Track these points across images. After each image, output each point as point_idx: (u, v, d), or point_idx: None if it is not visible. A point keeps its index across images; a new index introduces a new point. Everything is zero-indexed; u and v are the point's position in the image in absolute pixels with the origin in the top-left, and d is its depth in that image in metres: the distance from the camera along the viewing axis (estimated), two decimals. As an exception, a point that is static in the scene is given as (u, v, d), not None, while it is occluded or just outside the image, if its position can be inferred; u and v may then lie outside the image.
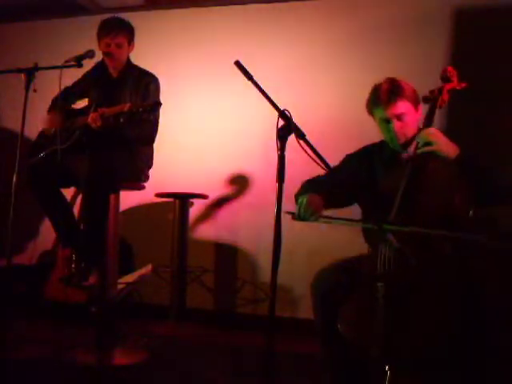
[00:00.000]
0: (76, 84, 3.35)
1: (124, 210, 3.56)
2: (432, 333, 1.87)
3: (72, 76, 3.27)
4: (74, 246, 3.08)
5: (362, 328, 2.00)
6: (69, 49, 3.03)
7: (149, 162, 3.26)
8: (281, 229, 1.76)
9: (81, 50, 2.86)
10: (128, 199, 3.76)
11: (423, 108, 2.31)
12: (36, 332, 3.37)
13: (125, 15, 3.29)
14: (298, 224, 3.54)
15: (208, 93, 4.06)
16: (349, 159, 2.45)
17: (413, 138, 2.22)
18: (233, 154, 4.01)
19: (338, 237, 3.36)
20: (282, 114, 1.81)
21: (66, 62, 2.79)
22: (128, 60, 3.25)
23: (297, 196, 2.34)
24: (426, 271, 1.97)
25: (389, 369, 1.92)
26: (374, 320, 1.92)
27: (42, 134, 3.30)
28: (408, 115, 2.21)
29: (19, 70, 2.66)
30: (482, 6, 3.56)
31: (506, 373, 1.94)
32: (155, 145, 3.29)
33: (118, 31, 3.13)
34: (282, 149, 1.80)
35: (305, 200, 2.12)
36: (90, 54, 2.88)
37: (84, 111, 3.20)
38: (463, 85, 2.34)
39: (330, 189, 2.21)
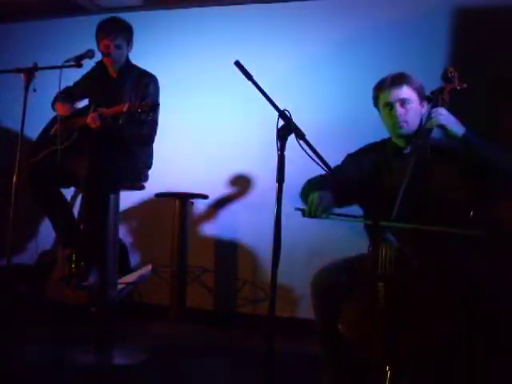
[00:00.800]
0: (76, 84, 3.35)
1: (124, 210, 3.56)
2: (432, 333, 1.87)
3: (72, 76, 3.27)
4: (73, 246, 3.08)
5: (363, 328, 2.00)
6: (69, 49, 3.02)
7: (148, 163, 3.26)
8: (281, 229, 1.76)
9: (81, 50, 2.86)
10: (128, 199, 3.77)
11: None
12: (36, 332, 3.37)
13: (124, 15, 3.29)
14: (298, 224, 3.57)
15: (208, 93, 4.06)
16: (350, 158, 2.45)
17: (414, 135, 2.23)
18: (233, 153, 4.01)
19: (338, 237, 3.37)
20: (282, 114, 1.81)
21: (66, 62, 2.79)
22: (127, 60, 3.25)
23: (302, 194, 2.34)
24: (426, 271, 1.97)
25: (389, 369, 1.91)
26: (375, 320, 1.92)
27: (42, 135, 3.31)
28: (411, 103, 2.24)
29: (19, 70, 2.66)
30: (482, 6, 3.55)
31: (506, 373, 1.94)
32: (155, 145, 3.29)
33: (117, 32, 3.12)
34: (281, 149, 1.80)
35: (315, 197, 2.12)
36: (89, 54, 2.88)
37: (84, 111, 3.20)
38: (464, 85, 2.34)
39: (335, 187, 2.21)
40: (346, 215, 2.15)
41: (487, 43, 3.50)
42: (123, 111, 2.84)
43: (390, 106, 2.25)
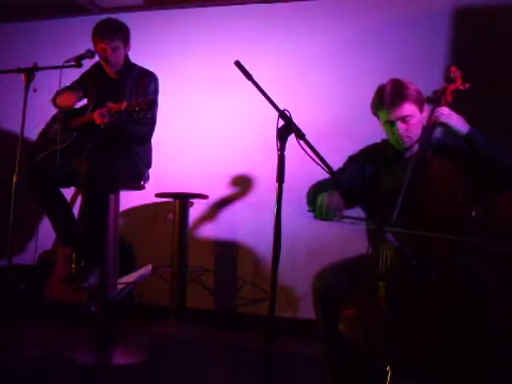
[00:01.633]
0: (75, 84, 3.35)
1: (124, 210, 3.56)
2: (432, 333, 1.87)
3: (72, 76, 3.28)
4: (73, 246, 3.08)
5: (363, 328, 2.00)
6: (69, 49, 3.02)
7: (148, 162, 3.26)
8: (281, 229, 1.76)
9: (81, 50, 2.87)
10: (128, 199, 3.76)
11: (426, 108, 2.31)
12: (36, 332, 3.37)
13: (125, 15, 3.30)
14: (298, 224, 3.58)
15: (208, 93, 4.06)
16: (352, 161, 2.45)
17: (417, 140, 2.22)
18: (233, 154, 4.00)
19: (338, 237, 3.37)
20: (282, 114, 1.81)
21: (66, 62, 2.79)
22: (127, 59, 3.24)
23: (310, 198, 2.33)
24: (426, 271, 1.96)
25: (389, 369, 1.91)
26: (375, 320, 1.92)
27: (42, 135, 3.30)
28: (413, 117, 2.21)
29: (19, 70, 2.66)
30: (482, 6, 3.55)
31: (506, 373, 1.94)
32: (155, 145, 3.29)
33: (113, 36, 3.10)
34: (281, 149, 1.80)
35: (325, 199, 2.10)
36: (89, 54, 2.88)
37: (83, 111, 3.20)
38: (467, 85, 2.33)
39: (341, 188, 2.19)
40: (355, 218, 2.13)
41: (487, 43, 3.50)
42: (121, 109, 2.84)
43: (390, 123, 2.23)
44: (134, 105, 2.83)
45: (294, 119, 1.80)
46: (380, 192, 2.23)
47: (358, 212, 2.31)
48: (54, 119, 3.27)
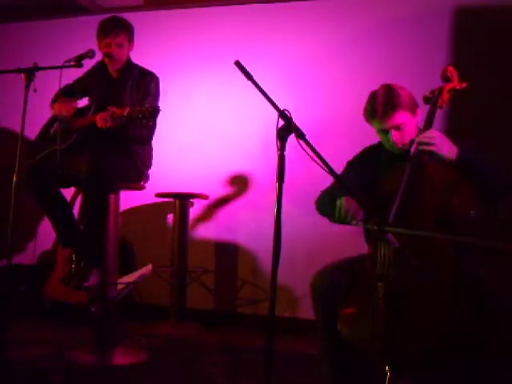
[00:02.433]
0: (77, 82, 3.35)
1: (124, 210, 3.56)
2: (432, 333, 1.87)
3: (72, 76, 3.28)
4: (73, 246, 3.08)
5: (362, 328, 2.00)
6: (69, 49, 3.02)
7: (148, 163, 3.26)
8: (281, 229, 1.76)
9: (81, 50, 2.86)
10: (128, 199, 3.76)
11: (424, 108, 2.31)
12: (36, 332, 3.37)
13: (125, 15, 3.29)
14: (298, 224, 3.58)
15: (208, 93, 4.06)
16: (349, 166, 2.45)
17: (413, 140, 2.22)
18: (233, 153, 4.01)
19: (338, 237, 3.37)
20: (282, 114, 1.80)
21: (66, 62, 2.78)
22: (128, 59, 3.24)
23: (320, 205, 2.34)
24: (425, 271, 1.96)
25: (389, 369, 1.91)
26: (374, 320, 1.92)
27: (41, 135, 3.30)
28: (406, 124, 2.21)
29: (19, 70, 2.66)
30: (482, 6, 3.55)
31: (506, 373, 1.94)
32: (155, 145, 3.29)
33: (119, 31, 3.13)
34: (281, 149, 1.80)
35: (344, 203, 2.10)
36: (89, 54, 2.88)
37: (83, 111, 3.20)
38: (464, 85, 2.33)
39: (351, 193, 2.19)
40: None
41: (487, 43, 3.50)
42: (123, 115, 2.84)
43: (385, 131, 2.23)
44: (136, 111, 2.82)
45: (294, 119, 1.80)
46: (378, 193, 2.23)
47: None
48: (53, 119, 3.26)
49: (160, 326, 3.67)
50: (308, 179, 3.50)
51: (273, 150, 1.83)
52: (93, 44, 3.10)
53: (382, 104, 2.19)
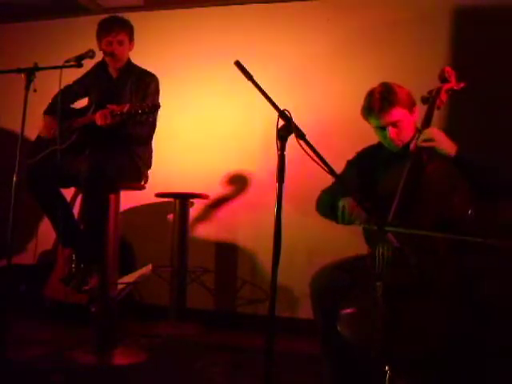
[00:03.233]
0: (76, 83, 3.35)
1: (124, 210, 3.56)
2: (432, 332, 1.87)
3: (72, 76, 3.28)
4: (73, 246, 3.08)
5: (362, 328, 2.00)
6: (69, 49, 3.02)
7: (148, 163, 3.26)
8: (281, 229, 1.76)
9: (81, 50, 2.86)
10: (128, 199, 3.76)
11: (422, 108, 2.31)
12: (36, 332, 3.37)
13: (125, 15, 3.29)
14: (298, 224, 3.58)
15: (208, 93, 4.06)
16: (349, 166, 2.45)
17: (411, 139, 2.22)
18: (233, 153, 4.01)
19: (338, 237, 3.37)
20: (282, 114, 1.80)
21: (66, 62, 2.78)
22: (128, 60, 3.25)
23: (321, 206, 2.33)
24: (424, 270, 1.97)
25: (389, 369, 1.91)
26: (374, 319, 1.92)
27: (40, 134, 3.30)
28: (403, 121, 2.21)
29: (19, 70, 2.66)
30: (482, 6, 3.55)
31: (506, 373, 1.94)
32: (155, 145, 3.29)
33: (119, 29, 3.14)
34: (281, 149, 1.80)
35: (348, 204, 2.10)
36: (90, 54, 2.88)
37: (83, 111, 3.20)
38: (461, 85, 2.34)
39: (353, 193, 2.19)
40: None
41: (487, 43, 3.50)
42: (123, 112, 2.84)
43: (382, 128, 2.24)
44: (136, 108, 2.82)
45: (294, 119, 1.80)
46: (378, 192, 2.23)
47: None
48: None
49: (160, 326, 3.67)
50: (308, 179, 3.50)
51: (273, 150, 1.83)
52: (93, 44, 3.10)
53: (378, 100, 2.19)
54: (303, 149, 1.77)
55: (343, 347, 2.12)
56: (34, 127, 3.22)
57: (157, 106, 2.88)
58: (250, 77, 1.82)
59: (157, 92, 3.18)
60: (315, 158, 1.78)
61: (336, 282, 2.16)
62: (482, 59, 3.45)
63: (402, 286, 1.94)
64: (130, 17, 3.30)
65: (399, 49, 3.67)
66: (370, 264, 2.07)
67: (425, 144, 2.06)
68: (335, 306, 2.09)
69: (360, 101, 2.32)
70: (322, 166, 1.78)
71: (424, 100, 2.33)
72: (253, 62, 1.98)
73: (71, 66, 2.77)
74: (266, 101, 1.82)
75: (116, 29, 3.13)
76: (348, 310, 2.06)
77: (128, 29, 3.19)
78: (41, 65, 2.68)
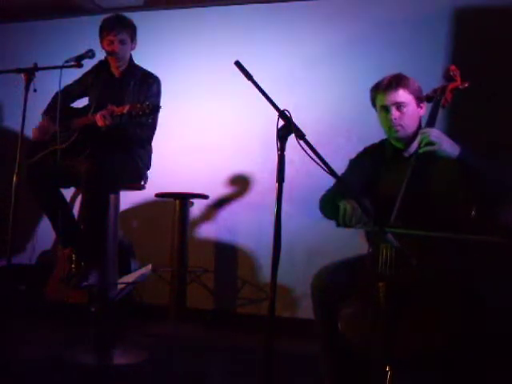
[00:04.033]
0: (77, 82, 3.35)
1: (124, 210, 3.56)
2: (432, 332, 1.87)
3: (72, 76, 3.27)
4: (73, 246, 3.08)
5: (363, 328, 2.00)
6: (69, 49, 3.02)
7: (148, 163, 3.26)
8: (281, 229, 1.76)
9: (81, 50, 2.86)
10: (128, 199, 3.77)
11: (426, 107, 2.31)
12: (36, 332, 3.37)
13: (125, 15, 3.29)
14: (298, 224, 3.58)
15: (208, 93, 4.06)
16: (352, 164, 2.45)
17: (413, 136, 2.22)
18: (233, 154, 4.01)
19: (338, 237, 3.36)
20: (282, 114, 1.80)
21: (66, 62, 2.78)
22: (131, 60, 3.24)
23: (324, 207, 2.33)
24: (426, 271, 1.97)
25: (389, 369, 1.91)
26: (375, 319, 1.92)
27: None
28: (408, 106, 2.21)
29: (19, 70, 2.66)
30: (482, 6, 3.55)
31: (506, 373, 1.94)
32: (155, 145, 3.29)
33: (121, 28, 3.13)
34: (281, 149, 1.80)
35: (348, 207, 2.08)
36: (90, 54, 2.88)
37: (83, 111, 3.20)
38: (466, 84, 2.33)
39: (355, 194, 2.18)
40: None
41: (487, 43, 3.50)
42: (124, 112, 2.84)
43: (385, 109, 2.24)
44: (137, 108, 2.82)
45: (294, 119, 1.80)
46: (380, 192, 2.23)
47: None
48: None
49: (160, 326, 3.67)
50: (308, 179, 3.50)
51: (273, 150, 1.83)
52: (93, 44, 3.09)
53: (388, 79, 2.25)
54: (303, 149, 1.77)
55: (343, 347, 2.12)
56: (34, 127, 3.22)
57: (157, 108, 2.88)
58: (249, 77, 1.82)
59: (159, 94, 3.18)
60: (315, 158, 1.78)
61: (337, 282, 2.16)
62: (482, 59, 3.45)
63: (403, 286, 1.94)
64: (130, 17, 3.29)
65: (399, 49, 3.67)
66: (371, 264, 2.07)
67: (428, 148, 2.05)
68: (336, 306, 2.09)
69: (360, 101, 2.32)
70: (322, 166, 1.78)
71: (429, 99, 2.32)
72: (253, 62, 1.99)
73: (71, 66, 2.77)
74: (266, 101, 1.81)
75: (118, 28, 3.12)
76: (349, 310, 2.06)
77: (130, 28, 3.18)
78: (41, 65, 2.68)
